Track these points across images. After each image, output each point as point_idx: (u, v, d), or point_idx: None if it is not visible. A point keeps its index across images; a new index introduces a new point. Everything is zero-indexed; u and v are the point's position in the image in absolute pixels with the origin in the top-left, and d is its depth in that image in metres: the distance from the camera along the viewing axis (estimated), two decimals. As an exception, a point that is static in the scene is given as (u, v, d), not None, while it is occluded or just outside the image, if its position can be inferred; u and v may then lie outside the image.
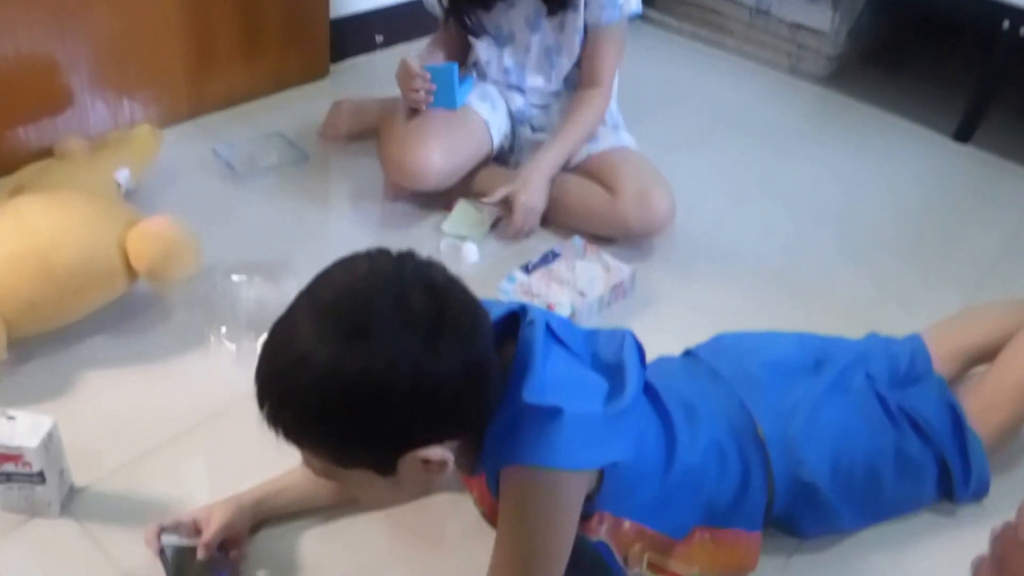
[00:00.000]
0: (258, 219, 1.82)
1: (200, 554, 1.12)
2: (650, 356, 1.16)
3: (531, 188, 1.79)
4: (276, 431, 0.93)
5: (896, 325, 1.49)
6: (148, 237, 1.43)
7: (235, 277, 1.58)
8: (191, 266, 1.50)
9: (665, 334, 1.44)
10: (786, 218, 2.02)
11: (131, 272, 1.45)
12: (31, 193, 1.53)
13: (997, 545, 0.82)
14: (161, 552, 1.08)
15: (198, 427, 1.36)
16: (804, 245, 1.94)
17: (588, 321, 1.63)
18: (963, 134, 2.36)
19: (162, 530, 1.11)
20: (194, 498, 1.22)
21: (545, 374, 0.97)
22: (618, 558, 1.14)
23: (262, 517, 1.21)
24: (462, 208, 1.85)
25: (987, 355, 1.42)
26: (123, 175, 1.67)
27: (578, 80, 1.87)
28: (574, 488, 1.01)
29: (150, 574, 1.11)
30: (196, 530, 1.14)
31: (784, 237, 1.96)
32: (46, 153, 1.70)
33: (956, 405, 1.30)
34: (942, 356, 1.42)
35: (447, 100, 1.81)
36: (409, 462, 0.93)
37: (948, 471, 1.29)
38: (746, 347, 1.33)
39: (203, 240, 1.52)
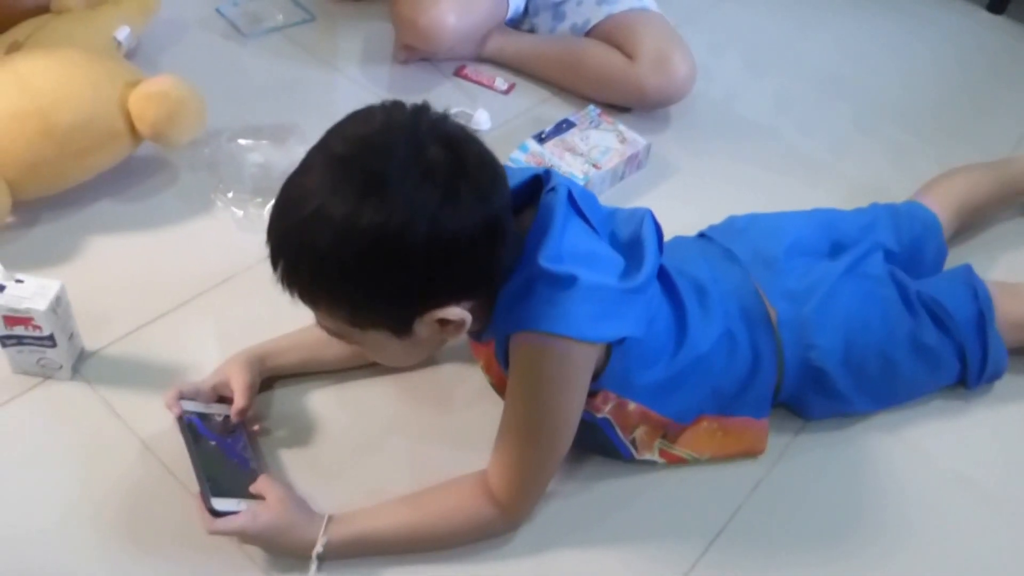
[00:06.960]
0: (264, 81, 1.77)
1: (235, 419, 1.12)
2: (664, 230, 1.14)
3: None
4: (291, 292, 0.91)
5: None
6: (152, 97, 1.39)
7: (241, 141, 1.54)
8: (197, 127, 1.46)
9: (679, 207, 1.42)
10: (803, 89, 1.95)
11: (135, 134, 1.41)
12: (29, 51, 1.48)
13: None
14: (180, 418, 1.09)
15: (206, 293, 1.35)
16: (820, 118, 1.88)
17: (601, 193, 1.60)
18: (997, 4, 2.25)
19: (181, 396, 1.11)
20: (203, 364, 1.22)
21: (563, 242, 0.95)
22: (622, 436, 1.14)
23: (267, 374, 1.20)
24: None
25: (975, 210, 1.50)
26: (123, 33, 1.61)
27: None
28: (583, 359, 1.00)
29: (157, 430, 1.12)
30: (214, 396, 1.14)
31: (800, 109, 1.90)
32: (43, 9, 1.63)
33: (984, 298, 1.27)
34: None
35: None
36: (426, 322, 0.92)
37: (966, 360, 1.27)
38: (761, 229, 1.31)
39: (207, 101, 1.47)
